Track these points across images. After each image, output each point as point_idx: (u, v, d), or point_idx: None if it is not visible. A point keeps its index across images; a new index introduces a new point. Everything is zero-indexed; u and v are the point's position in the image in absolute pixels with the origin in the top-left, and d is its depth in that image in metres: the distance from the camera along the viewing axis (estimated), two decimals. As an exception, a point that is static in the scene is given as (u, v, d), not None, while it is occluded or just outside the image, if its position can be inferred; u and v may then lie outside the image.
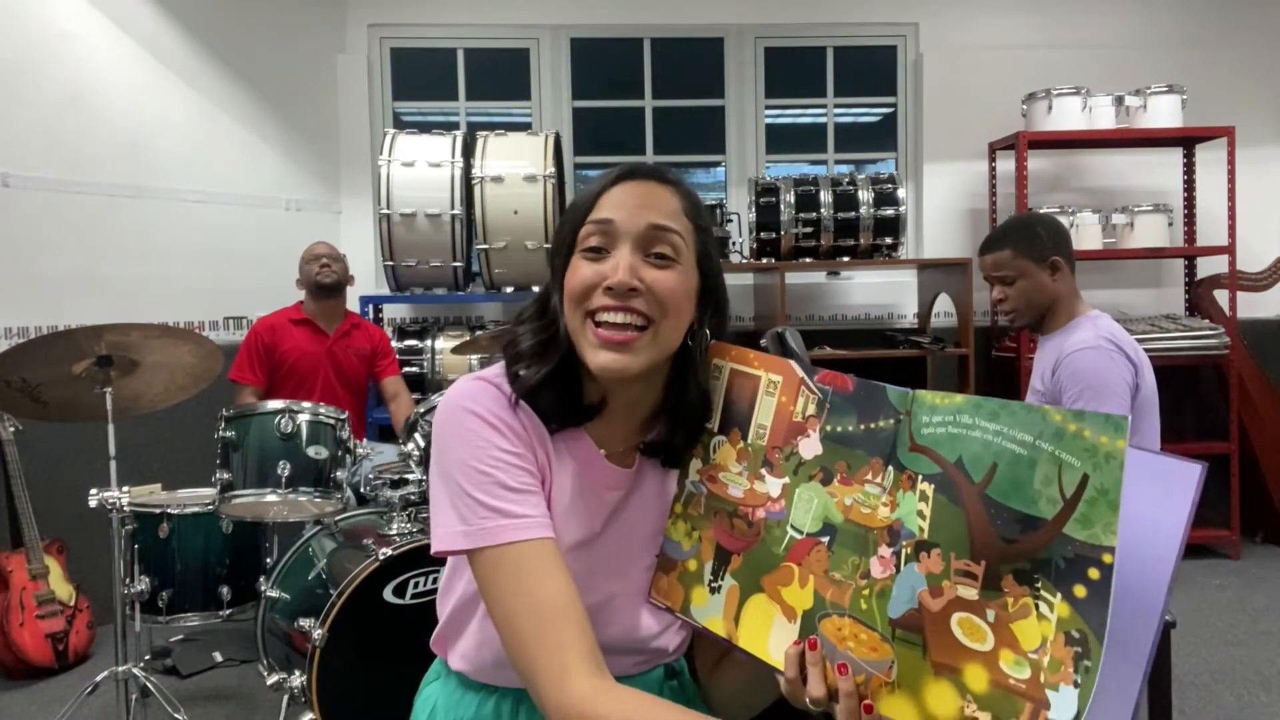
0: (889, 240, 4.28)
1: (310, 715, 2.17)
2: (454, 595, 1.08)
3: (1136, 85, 4.44)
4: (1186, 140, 4.57)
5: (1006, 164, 4.60)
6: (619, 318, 0.97)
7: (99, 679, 2.58)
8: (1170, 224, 4.50)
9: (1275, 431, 4.49)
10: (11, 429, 3.40)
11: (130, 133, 3.98)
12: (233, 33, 4.34)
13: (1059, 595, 0.73)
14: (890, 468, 0.85)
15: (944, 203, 4.85)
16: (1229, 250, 4.38)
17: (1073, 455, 0.74)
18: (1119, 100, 4.41)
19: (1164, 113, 4.37)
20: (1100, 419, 0.74)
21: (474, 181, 4.00)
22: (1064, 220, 3.79)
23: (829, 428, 0.91)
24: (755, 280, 4.68)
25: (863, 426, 0.88)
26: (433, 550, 0.98)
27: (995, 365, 4.72)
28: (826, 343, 4.43)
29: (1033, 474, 0.76)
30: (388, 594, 2.22)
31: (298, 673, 2.32)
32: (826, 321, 4.80)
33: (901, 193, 4.31)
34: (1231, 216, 4.38)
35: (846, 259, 4.33)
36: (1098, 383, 2.07)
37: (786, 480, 0.93)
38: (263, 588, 2.63)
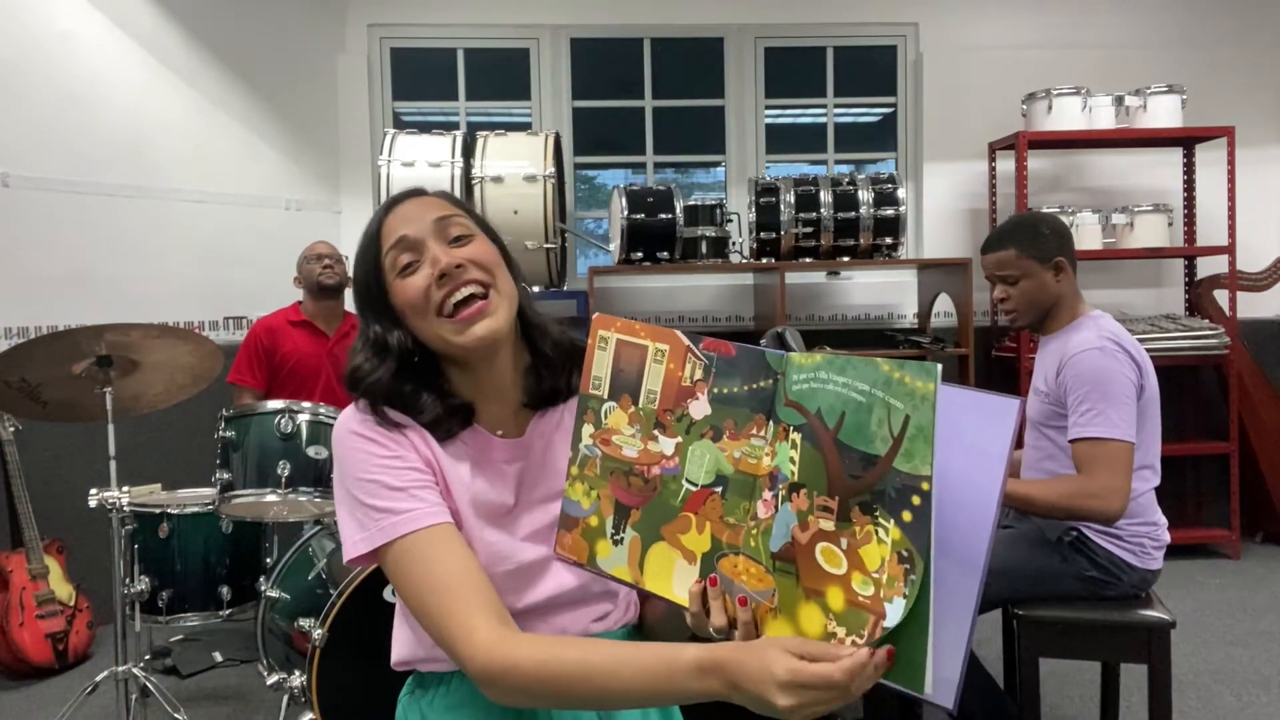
0: (889, 240, 4.28)
1: (310, 715, 2.17)
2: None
3: (1136, 85, 4.44)
4: (1186, 140, 4.57)
5: (1006, 164, 4.60)
6: (464, 292, 1.09)
7: (99, 679, 2.58)
8: (1170, 224, 4.49)
9: (1275, 431, 4.49)
10: (11, 429, 3.40)
11: (130, 133, 3.98)
12: (233, 33, 4.34)
13: (891, 521, 0.85)
14: (770, 422, 0.95)
15: (944, 203, 4.85)
16: (1229, 250, 4.38)
17: (898, 399, 0.86)
18: (1119, 100, 4.42)
19: (1164, 113, 4.37)
20: (917, 367, 0.85)
21: (474, 181, 4.00)
22: (1064, 220, 3.79)
23: (716, 390, 1.00)
24: (755, 280, 4.68)
25: (746, 387, 0.98)
26: (344, 560, 1.09)
27: (995, 365, 4.72)
28: (826, 343, 4.43)
29: (870, 418, 0.87)
30: (388, 594, 2.22)
31: (298, 673, 2.32)
32: (826, 321, 4.80)
33: (901, 193, 4.31)
34: (1231, 216, 4.38)
35: (846, 259, 4.33)
36: (1103, 384, 2.07)
37: (679, 439, 1.01)
38: (263, 588, 2.63)
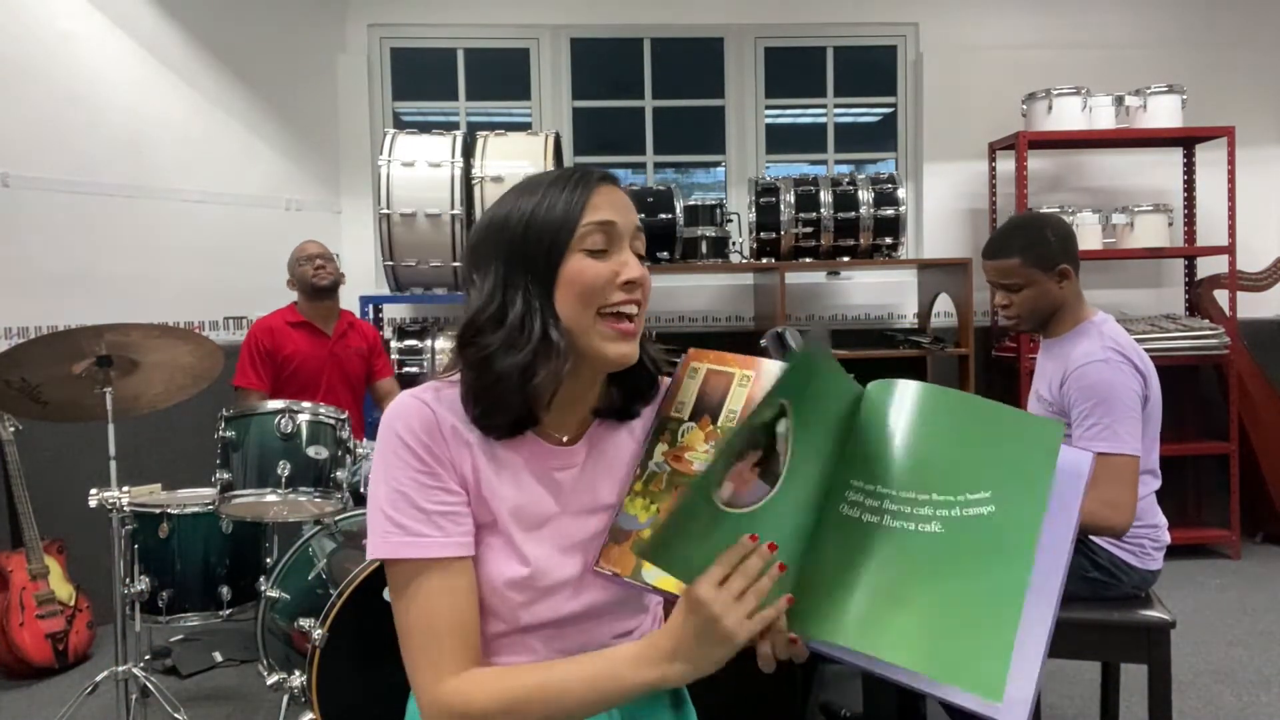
0: (889, 240, 4.28)
1: (310, 715, 2.17)
2: None
3: (1136, 85, 4.44)
4: (1186, 140, 4.57)
5: (1006, 164, 4.60)
6: (634, 309, 1.07)
7: (99, 679, 2.58)
8: (1170, 224, 4.50)
9: (1275, 431, 4.49)
10: (11, 429, 3.40)
11: (130, 133, 3.98)
12: (233, 33, 4.34)
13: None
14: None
15: (944, 203, 4.85)
16: (1229, 250, 4.38)
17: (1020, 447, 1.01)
18: (1119, 100, 4.42)
19: (1164, 113, 4.38)
20: (1039, 424, 0.98)
21: (474, 181, 4.00)
22: (1064, 220, 3.78)
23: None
24: (755, 280, 4.68)
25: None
26: (367, 555, 1.08)
27: (995, 365, 4.72)
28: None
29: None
30: (387, 594, 2.21)
31: (298, 673, 2.32)
32: (826, 321, 4.80)
33: (901, 193, 4.31)
34: (1231, 216, 4.38)
35: (846, 259, 4.33)
36: (1108, 397, 2.06)
37: None
38: (263, 588, 2.63)
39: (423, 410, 1.06)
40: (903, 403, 1.01)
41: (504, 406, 1.05)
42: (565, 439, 1.13)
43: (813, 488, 0.97)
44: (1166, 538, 2.23)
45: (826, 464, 0.98)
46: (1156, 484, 2.21)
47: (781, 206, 4.27)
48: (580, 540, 1.10)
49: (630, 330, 1.06)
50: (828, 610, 0.92)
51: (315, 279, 3.51)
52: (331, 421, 2.62)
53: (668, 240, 4.18)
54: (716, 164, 5.15)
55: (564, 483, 1.11)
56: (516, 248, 1.05)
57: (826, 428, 0.99)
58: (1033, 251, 2.20)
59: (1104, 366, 2.08)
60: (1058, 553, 0.92)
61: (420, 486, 1.04)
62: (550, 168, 3.97)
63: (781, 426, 0.96)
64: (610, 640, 1.13)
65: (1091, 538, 2.17)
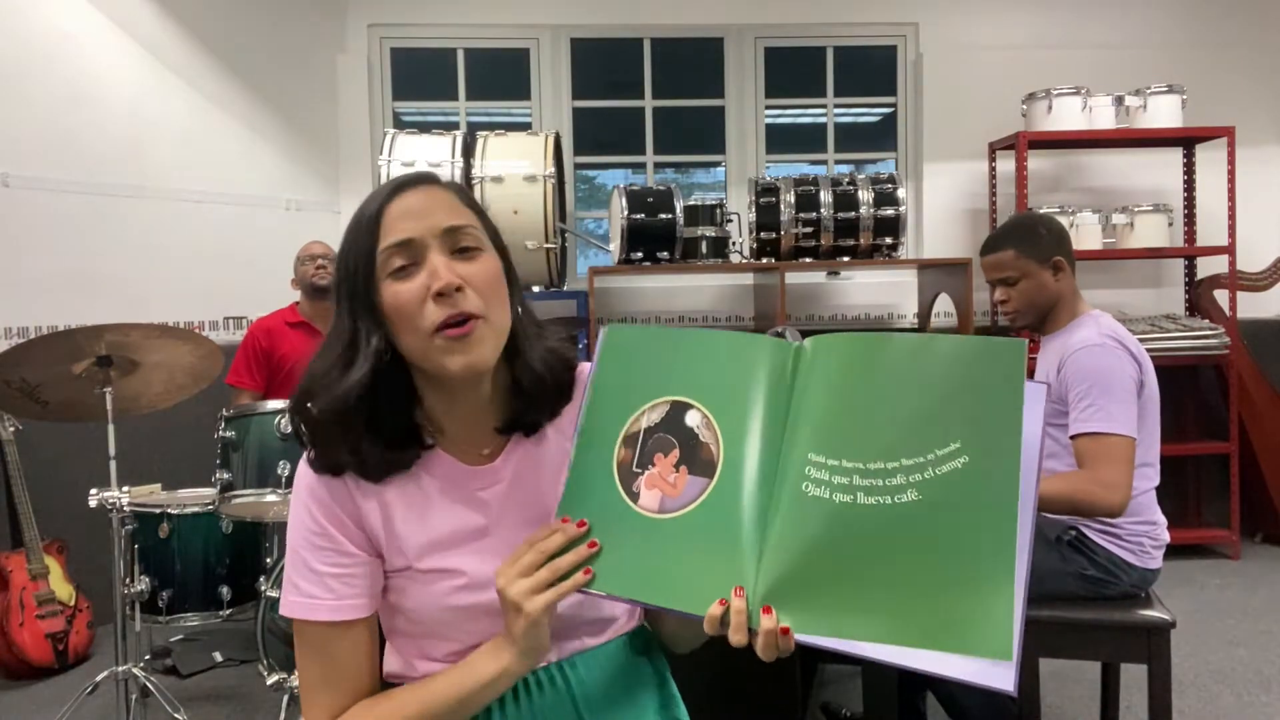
0: (889, 240, 4.28)
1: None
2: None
3: (1136, 85, 4.44)
4: (1186, 140, 4.57)
5: (1006, 164, 4.60)
6: (459, 315, 1.00)
7: (99, 679, 2.59)
8: (1170, 224, 4.49)
9: (1275, 431, 4.49)
10: (11, 429, 3.40)
11: (130, 132, 3.98)
12: (233, 33, 4.34)
13: None
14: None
15: (944, 203, 4.85)
16: (1229, 250, 4.38)
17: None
18: (1119, 100, 4.42)
19: (1164, 113, 4.37)
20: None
21: (474, 181, 4.00)
22: (1064, 220, 3.79)
23: None
24: (755, 280, 4.68)
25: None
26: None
27: (995, 365, 4.72)
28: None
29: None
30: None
31: (298, 673, 2.32)
32: (826, 321, 4.80)
33: (901, 193, 4.31)
34: (1231, 216, 4.38)
35: (846, 259, 4.33)
36: (1103, 379, 2.07)
37: None
38: (263, 588, 2.63)
39: (316, 471, 1.06)
40: (846, 357, 0.93)
41: (334, 438, 1.02)
42: (481, 452, 1.09)
43: (758, 467, 0.92)
44: (1166, 536, 2.23)
45: (769, 440, 0.93)
46: (1156, 480, 2.21)
47: (781, 206, 4.27)
48: None
49: (461, 333, 0.99)
50: (813, 603, 0.87)
51: (315, 279, 3.51)
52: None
53: (668, 240, 4.18)
54: (716, 164, 5.15)
55: (490, 501, 1.08)
56: (344, 293, 1.04)
57: (746, 403, 0.95)
58: (1026, 244, 2.25)
59: (1100, 350, 2.10)
60: (1028, 487, 0.85)
61: (314, 548, 1.05)
62: (550, 168, 3.97)
63: (691, 419, 0.95)
64: (588, 643, 1.12)
65: (1090, 536, 2.17)
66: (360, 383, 1.00)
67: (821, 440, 0.91)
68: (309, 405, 1.03)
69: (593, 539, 0.95)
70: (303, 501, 1.06)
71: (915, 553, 0.85)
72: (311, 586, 1.05)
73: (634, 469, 0.97)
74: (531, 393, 1.09)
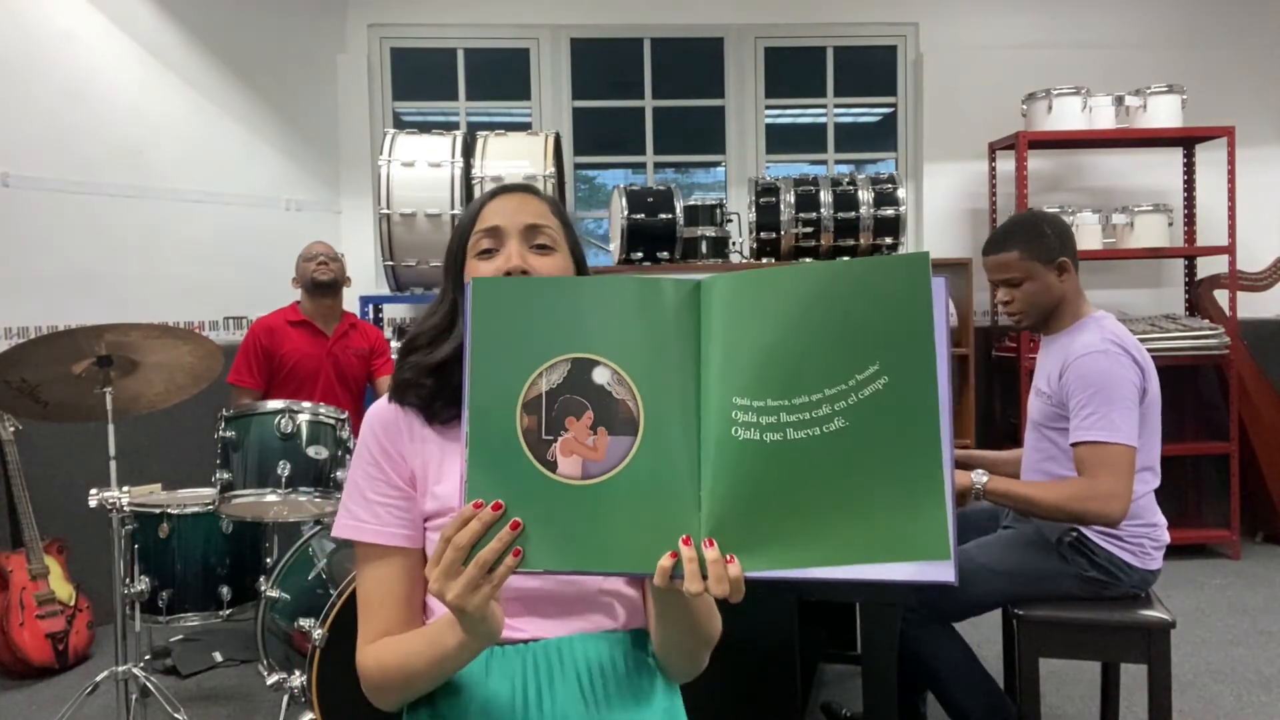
0: (889, 240, 4.28)
1: (310, 715, 2.17)
2: None
3: (1136, 85, 4.44)
4: (1186, 140, 4.57)
5: (1006, 164, 4.60)
6: None
7: (99, 679, 2.58)
8: (1170, 224, 4.50)
9: (1275, 431, 4.49)
10: (11, 429, 3.40)
11: (131, 133, 3.98)
12: (233, 33, 4.34)
13: None
14: None
15: (944, 203, 4.85)
16: (1229, 250, 4.38)
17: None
18: (1119, 100, 4.42)
19: (1164, 113, 4.37)
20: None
21: (474, 181, 4.00)
22: (1064, 220, 3.78)
23: None
24: (755, 280, 4.68)
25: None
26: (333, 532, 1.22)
27: (995, 365, 4.72)
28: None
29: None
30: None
31: (298, 673, 2.32)
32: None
33: (901, 193, 4.31)
34: (1231, 216, 4.38)
35: (847, 259, 4.32)
36: (1106, 387, 2.06)
37: None
38: (263, 588, 2.63)
39: (388, 409, 1.20)
40: (753, 296, 0.92)
41: (413, 376, 1.18)
42: None
43: (680, 418, 0.91)
44: (1166, 537, 2.23)
45: (685, 388, 0.92)
46: (1156, 482, 2.21)
47: (781, 206, 4.27)
48: None
49: None
50: (757, 542, 0.89)
51: (316, 274, 3.51)
52: (331, 421, 2.62)
53: (668, 240, 4.18)
54: (716, 164, 5.15)
55: None
56: (448, 261, 1.25)
57: (656, 352, 0.93)
58: (1031, 244, 2.22)
59: (1103, 357, 2.09)
60: (944, 390, 0.89)
61: (369, 478, 1.18)
62: (550, 168, 3.97)
63: (600, 376, 0.92)
64: (581, 625, 1.17)
65: (1090, 537, 2.17)
66: (452, 349, 1.17)
67: (743, 382, 0.90)
68: (409, 354, 1.20)
69: (513, 519, 0.90)
70: (365, 436, 1.19)
71: (851, 477, 0.88)
72: (361, 510, 1.17)
73: (544, 437, 0.92)
74: None
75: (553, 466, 0.91)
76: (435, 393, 1.17)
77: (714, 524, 0.89)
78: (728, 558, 0.88)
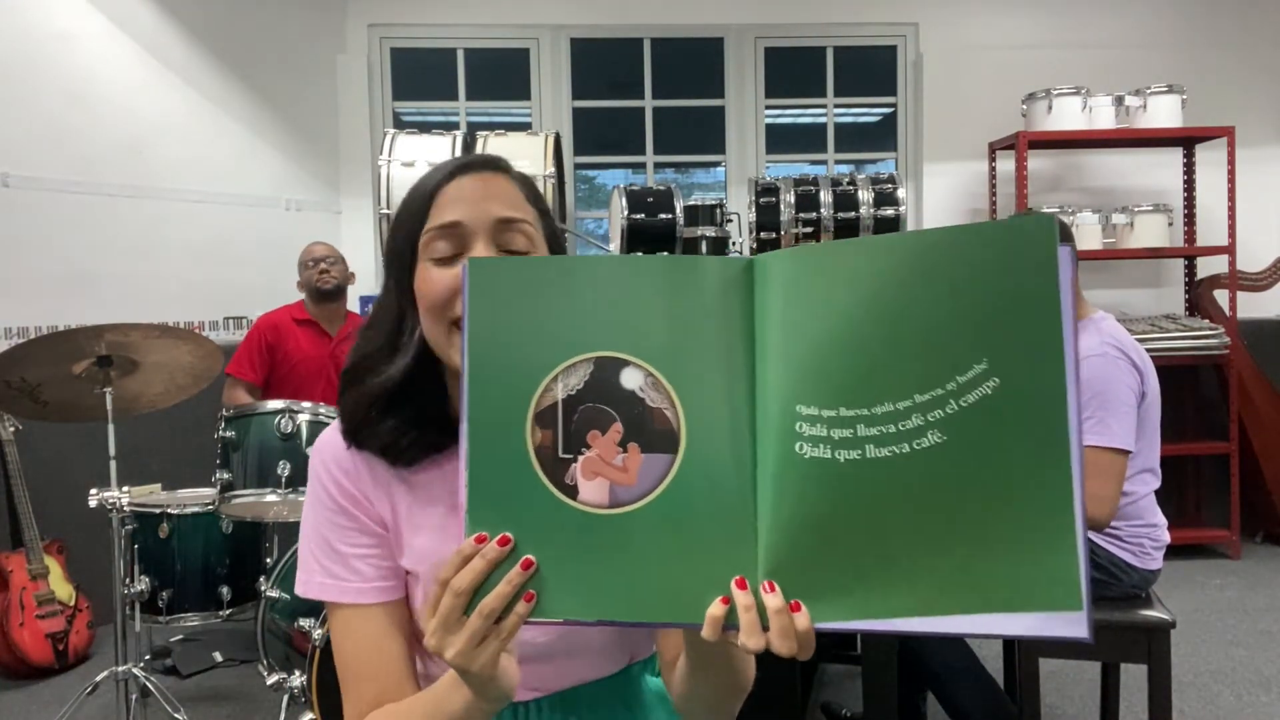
0: (889, 240, 4.27)
1: (310, 715, 2.17)
2: None
3: (1136, 85, 4.44)
4: (1186, 140, 4.57)
5: (1006, 164, 4.60)
6: None
7: (99, 679, 2.58)
8: (1170, 224, 4.49)
9: (1275, 431, 4.49)
10: (11, 429, 3.40)
11: (130, 133, 3.98)
12: (233, 33, 4.34)
13: None
14: None
15: (944, 203, 4.85)
16: (1229, 250, 4.38)
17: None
18: (1119, 100, 4.42)
19: (1164, 113, 4.37)
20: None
21: (474, 181, 3.99)
22: (1064, 220, 3.79)
23: None
24: (755, 280, 4.68)
25: None
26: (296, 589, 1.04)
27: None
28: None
29: None
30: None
31: (298, 673, 2.32)
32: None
33: (901, 193, 4.30)
34: (1231, 216, 4.38)
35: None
36: (1104, 391, 2.07)
37: None
38: (263, 588, 2.63)
39: (341, 445, 1.00)
40: (821, 275, 0.72)
41: (360, 410, 0.97)
42: None
43: (731, 430, 0.74)
44: (1166, 537, 2.23)
45: (736, 393, 0.74)
46: (1156, 483, 2.21)
47: (781, 206, 4.27)
48: None
49: None
50: (828, 585, 0.71)
51: (319, 283, 3.50)
52: (332, 422, 2.61)
53: (668, 240, 4.18)
54: (716, 164, 5.15)
55: None
56: (389, 264, 1.00)
57: (696, 348, 0.75)
58: None
59: (1101, 361, 2.09)
60: (1075, 395, 0.69)
61: (335, 527, 0.99)
62: (550, 168, 3.97)
63: (630, 379, 0.75)
64: (584, 676, 1.03)
65: (1091, 538, 2.17)
66: (405, 369, 0.96)
67: (810, 386, 0.71)
68: (354, 384, 1.00)
69: (525, 556, 0.73)
70: (320, 480, 1.00)
71: (950, 506, 0.70)
72: (335, 566, 0.99)
73: (561, 455, 0.74)
74: None
75: (573, 492, 0.74)
76: (398, 430, 0.97)
77: (774, 562, 0.72)
78: (792, 604, 0.71)
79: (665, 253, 4.22)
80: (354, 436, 0.99)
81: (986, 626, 0.70)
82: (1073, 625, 0.68)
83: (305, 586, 1.00)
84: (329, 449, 1.01)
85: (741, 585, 0.71)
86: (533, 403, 0.75)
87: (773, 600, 0.70)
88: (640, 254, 0.80)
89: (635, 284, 0.76)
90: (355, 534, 0.99)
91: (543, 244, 0.98)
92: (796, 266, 0.73)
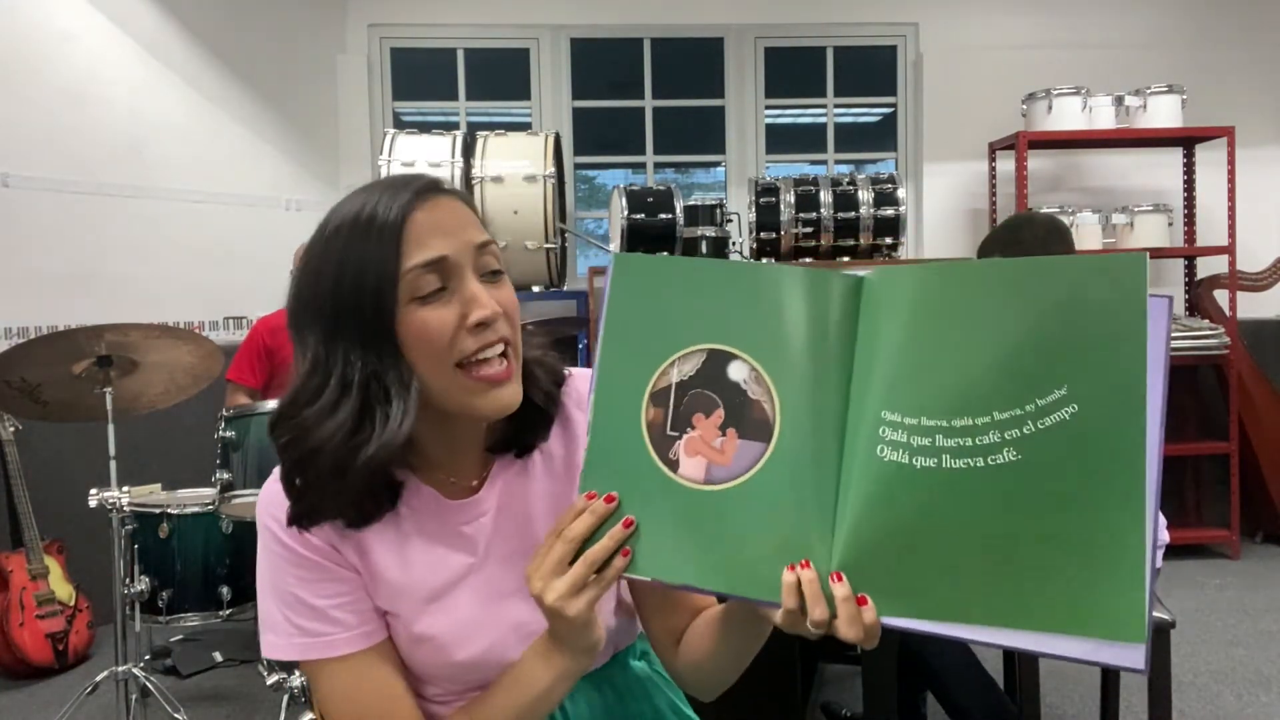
0: (889, 240, 4.28)
1: (310, 715, 2.17)
2: None
3: (1136, 85, 4.44)
4: (1186, 140, 4.57)
5: (1006, 164, 4.60)
6: (497, 350, 0.90)
7: (99, 679, 2.58)
8: (1170, 224, 4.49)
9: (1275, 431, 4.49)
10: (11, 429, 3.40)
11: (130, 133, 3.98)
12: (233, 33, 4.34)
13: None
14: None
15: (944, 203, 4.85)
16: (1229, 250, 4.38)
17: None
18: (1119, 100, 4.41)
19: (1164, 113, 4.37)
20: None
21: (474, 181, 4.00)
22: (1064, 220, 3.78)
23: None
24: (755, 280, 4.67)
25: None
26: (262, 653, 0.98)
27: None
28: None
29: None
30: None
31: (298, 673, 2.32)
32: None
33: (901, 193, 4.31)
34: (1231, 216, 4.38)
35: (846, 259, 4.32)
36: None
37: None
38: (263, 588, 2.62)
39: (284, 508, 0.94)
40: (920, 292, 0.79)
41: (327, 497, 0.90)
42: (467, 484, 1.00)
43: (821, 428, 0.80)
44: (1166, 537, 2.23)
45: (831, 395, 0.80)
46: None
47: (781, 206, 4.27)
48: (519, 584, 0.93)
49: (500, 375, 0.90)
50: (894, 584, 0.76)
51: None
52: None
53: (668, 240, 4.18)
54: (716, 164, 5.15)
55: (476, 536, 0.99)
56: (333, 315, 0.89)
57: (803, 351, 0.81)
58: (1011, 250, 2.22)
59: None
60: (1155, 431, 0.71)
61: (303, 582, 0.93)
62: (550, 168, 3.97)
63: (736, 372, 0.82)
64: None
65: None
66: (407, 433, 0.87)
67: (896, 394, 0.77)
68: (319, 473, 0.91)
69: (627, 515, 0.82)
70: (277, 537, 0.94)
71: (1018, 523, 0.73)
72: (312, 623, 0.93)
73: (668, 432, 0.83)
74: (535, 414, 0.99)
75: (674, 466, 0.82)
76: (365, 496, 0.92)
77: (847, 556, 0.77)
78: (859, 598, 0.76)
79: (666, 253, 4.22)
80: (308, 520, 0.93)
81: (1044, 645, 0.73)
82: (1129, 656, 0.71)
83: (278, 649, 0.94)
84: (278, 503, 0.94)
85: (805, 565, 0.78)
86: (651, 383, 0.84)
87: (840, 589, 0.76)
88: (765, 262, 0.87)
89: (753, 288, 0.83)
90: (328, 584, 0.94)
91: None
92: (898, 285, 0.80)
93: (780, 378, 0.81)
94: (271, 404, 2.61)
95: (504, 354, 0.91)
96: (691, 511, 0.81)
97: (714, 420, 0.82)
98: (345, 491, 0.90)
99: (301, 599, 0.93)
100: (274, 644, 0.95)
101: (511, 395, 0.92)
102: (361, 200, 0.90)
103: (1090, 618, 0.71)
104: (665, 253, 4.20)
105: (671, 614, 1.05)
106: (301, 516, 0.92)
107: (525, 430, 1.00)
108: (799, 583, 0.77)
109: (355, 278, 0.87)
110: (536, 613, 0.88)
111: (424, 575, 0.97)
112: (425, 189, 0.91)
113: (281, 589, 0.94)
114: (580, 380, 1.04)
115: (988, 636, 0.74)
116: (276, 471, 0.96)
